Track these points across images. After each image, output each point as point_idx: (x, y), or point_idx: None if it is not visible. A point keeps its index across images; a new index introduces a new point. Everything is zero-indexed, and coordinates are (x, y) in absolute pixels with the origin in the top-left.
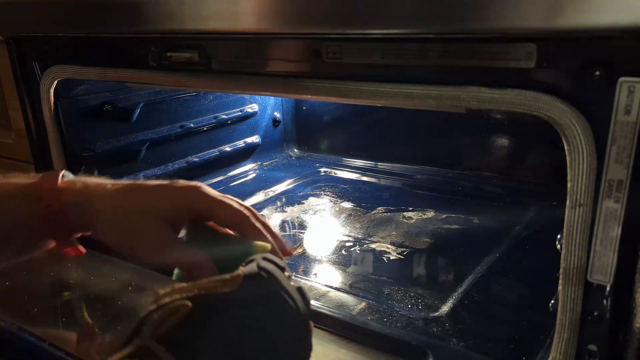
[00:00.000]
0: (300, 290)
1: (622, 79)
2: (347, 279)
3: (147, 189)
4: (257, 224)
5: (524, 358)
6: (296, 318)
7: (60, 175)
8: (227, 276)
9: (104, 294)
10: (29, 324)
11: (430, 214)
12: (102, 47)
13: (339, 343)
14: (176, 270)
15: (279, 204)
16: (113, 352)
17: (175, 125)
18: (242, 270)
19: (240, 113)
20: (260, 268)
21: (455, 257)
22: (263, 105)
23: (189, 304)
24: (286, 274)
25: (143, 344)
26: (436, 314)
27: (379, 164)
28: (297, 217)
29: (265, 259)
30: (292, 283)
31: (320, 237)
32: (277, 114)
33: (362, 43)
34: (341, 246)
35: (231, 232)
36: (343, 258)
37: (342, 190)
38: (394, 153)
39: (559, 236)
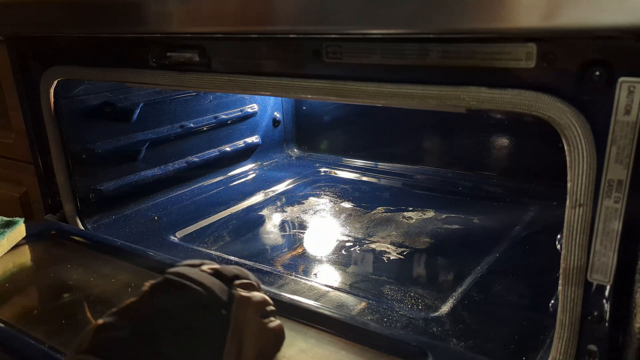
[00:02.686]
0: (218, 272)
1: (622, 79)
2: (347, 279)
3: None
4: None
5: (523, 358)
6: (205, 298)
7: None
8: (140, 291)
9: (104, 295)
10: (29, 327)
11: (430, 214)
12: (102, 47)
13: (338, 344)
14: None
15: (279, 204)
16: None
17: (175, 125)
18: (150, 282)
19: (240, 113)
20: (167, 273)
21: (455, 257)
22: (263, 105)
23: (100, 321)
24: (205, 267)
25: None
26: (436, 314)
27: (379, 164)
28: (297, 217)
29: (180, 265)
30: (216, 267)
31: (320, 237)
32: (277, 114)
33: (362, 43)
34: (341, 246)
35: None
36: (343, 258)
37: (342, 190)
38: (394, 153)
39: (559, 236)
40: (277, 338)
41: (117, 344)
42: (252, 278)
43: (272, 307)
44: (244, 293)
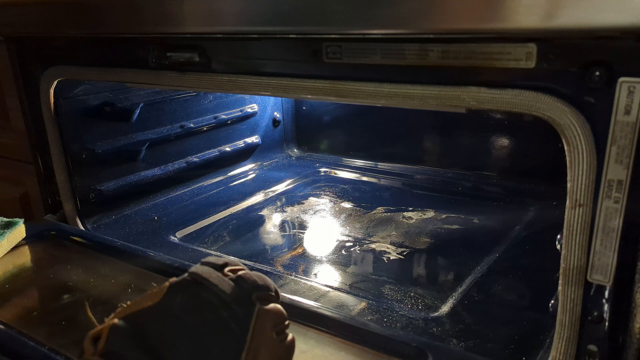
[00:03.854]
0: (240, 279)
1: (622, 79)
2: (347, 279)
3: None
4: None
5: (523, 358)
6: (222, 308)
7: None
8: (155, 290)
9: (104, 295)
10: (29, 328)
11: (430, 214)
12: (102, 47)
13: (337, 345)
14: None
15: (279, 204)
16: None
17: (175, 125)
18: (170, 281)
19: (240, 113)
20: (189, 273)
21: (455, 257)
22: (263, 105)
23: (116, 321)
24: (227, 269)
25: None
26: (436, 314)
27: (379, 164)
28: (297, 217)
29: (204, 263)
30: (239, 271)
31: (320, 237)
32: (277, 114)
33: (362, 43)
34: (341, 246)
35: None
36: (343, 258)
37: (342, 190)
38: (394, 153)
39: (559, 236)
40: (289, 353)
41: (130, 346)
42: (272, 287)
43: (287, 321)
44: (262, 307)
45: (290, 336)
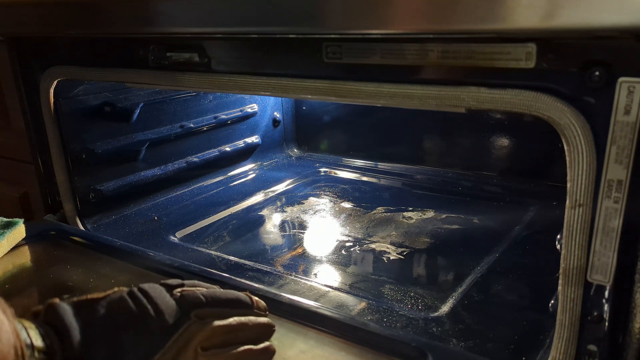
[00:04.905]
0: (181, 298)
1: (622, 79)
2: (347, 279)
3: None
4: None
5: (523, 358)
6: (152, 315)
7: None
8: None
9: None
10: None
11: (430, 214)
12: (102, 47)
13: (337, 345)
14: None
15: (279, 204)
16: None
17: (175, 125)
18: (120, 287)
19: (240, 113)
20: (136, 286)
21: (455, 257)
22: (263, 105)
23: (57, 300)
24: (177, 290)
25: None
26: (436, 314)
27: (379, 164)
28: (297, 217)
29: (160, 283)
30: (188, 291)
31: (320, 237)
32: (277, 114)
33: (362, 43)
34: (341, 246)
35: None
36: (343, 258)
37: (342, 190)
38: (394, 153)
39: (558, 236)
40: None
41: (64, 320)
42: (225, 305)
43: (217, 339)
44: (195, 323)
45: (223, 355)
